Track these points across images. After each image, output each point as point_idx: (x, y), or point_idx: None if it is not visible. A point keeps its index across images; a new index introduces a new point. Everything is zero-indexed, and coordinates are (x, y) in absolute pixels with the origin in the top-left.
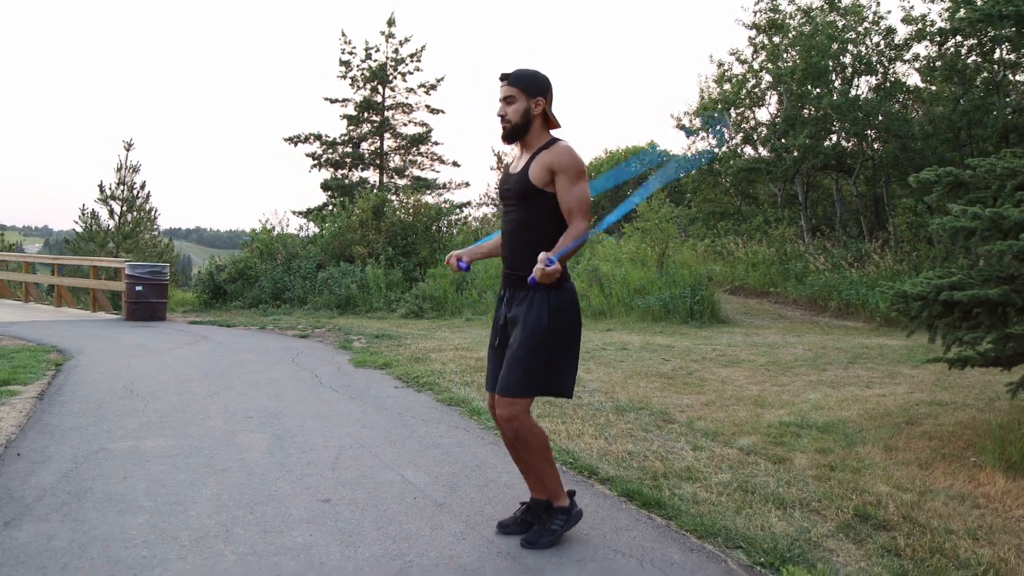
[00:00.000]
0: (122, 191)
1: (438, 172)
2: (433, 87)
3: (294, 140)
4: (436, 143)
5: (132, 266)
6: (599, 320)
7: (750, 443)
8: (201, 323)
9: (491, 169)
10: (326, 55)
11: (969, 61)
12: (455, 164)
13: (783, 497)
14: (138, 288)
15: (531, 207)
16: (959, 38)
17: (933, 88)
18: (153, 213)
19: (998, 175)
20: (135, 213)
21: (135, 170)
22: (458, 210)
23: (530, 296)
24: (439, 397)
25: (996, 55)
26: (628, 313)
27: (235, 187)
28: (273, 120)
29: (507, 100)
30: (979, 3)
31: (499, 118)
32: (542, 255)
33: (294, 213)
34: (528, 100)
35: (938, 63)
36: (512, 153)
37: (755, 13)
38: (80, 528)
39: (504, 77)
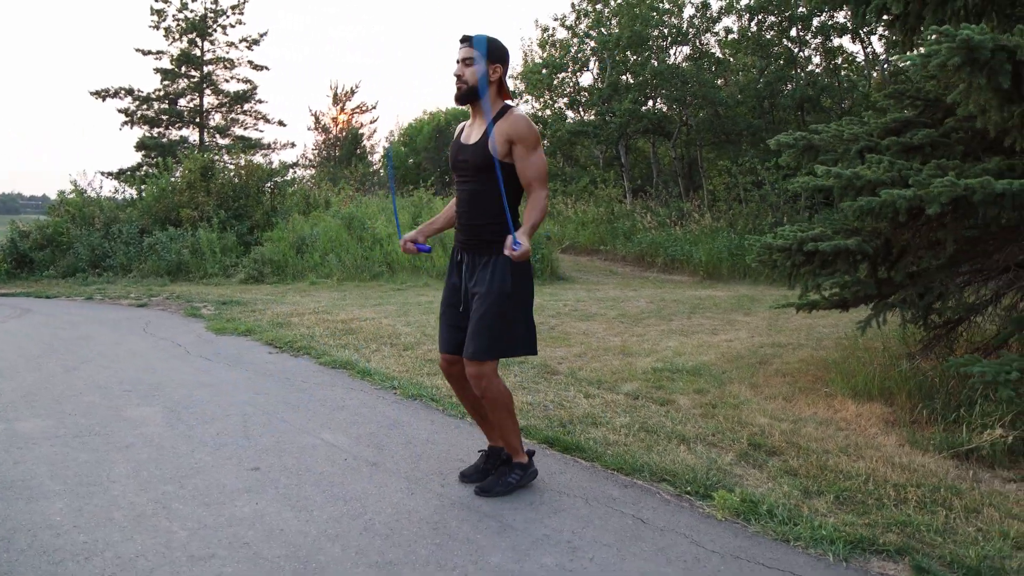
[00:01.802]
0: None
1: (262, 132)
2: (256, 42)
3: (102, 94)
4: (260, 101)
5: None
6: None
7: (633, 388)
8: (12, 295)
9: (308, 129)
10: (135, 1)
11: (770, 36)
12: (281, 124)
13: (682, 434)
14: None
15: (488, 177)
16: (762, 16)
17: (737, 61)
18: None
19: (844, 139)
20: None
21: None
22: (290, 171)
23: (492, 261)
24: (321, 361)
25: (792, 32)
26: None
27: (33, 146)
28: (74, 71)
29: (465, 61)
30: None
31: (455, 78)
32: (508, 239)
33: (104, 174)
34: (487, 65)
35: (747, 36)
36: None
37: None
38: None
39: (465, 39)
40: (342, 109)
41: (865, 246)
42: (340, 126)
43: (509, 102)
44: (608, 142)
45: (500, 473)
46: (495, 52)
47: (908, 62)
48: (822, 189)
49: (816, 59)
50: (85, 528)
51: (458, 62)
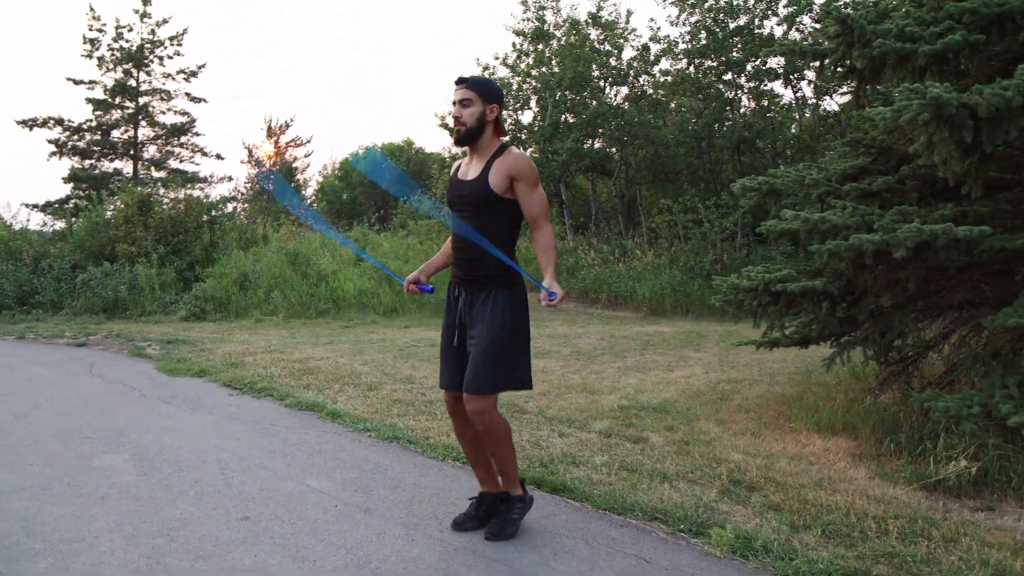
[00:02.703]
0: None
1: (199, 165)
2: (194, 74)
3: (29, 124)
4: (198, 134)
5: None
6: (392, 317)
7: (604, 427)
8: None
9: (241, 163)
10: (66, 29)
11: (708, 80)
12: (219, 157)
13: (663, 472)
14: None
15: (488, 213)
16: (699, 60)
17: (676, 103)
18: None
19: (805, 184)
20: None
21: None
22: (229, 205)
23: (492, 297)
24: (286, 403)
25: (727, 77)
26: (420, 309)
27: None
28: None
29: (463, 103)
30: (705, 38)
31: (454, 120)
32: (543, 293)
33: (30, 207)
34: (484, 105)
35: (685, 77)
36: (461, 160)
37: (523, 21)
38: None
39: (462, 81)
40: (276, 143)
41: (830, 287)
42: (272, 159)
43: (505, 139)
44: (550, 179)
45: (502, 513)
46: (492, 93)
47: (878, 115)
48: (788, 232)
49: (746, 102)
50: None
51: (455, 104)
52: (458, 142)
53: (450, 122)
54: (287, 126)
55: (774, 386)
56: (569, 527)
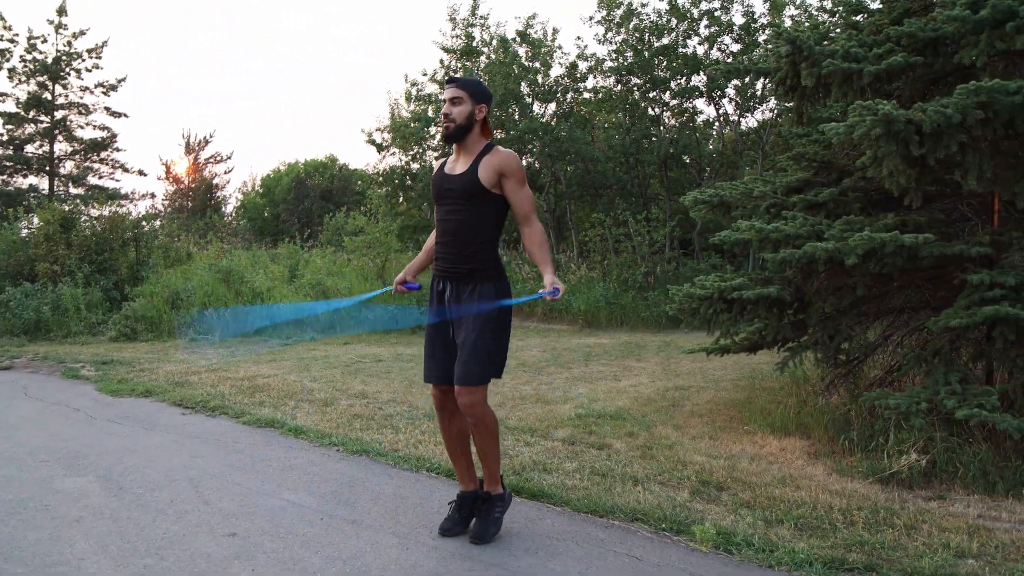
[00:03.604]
0: None
1: (119, 181)
2: (113, 88)
3: None
4: (119, 149)
5: None
6: (331, 334)
7: (567, 435)
8: None
9: (159, 179)
10: None
11: (637, 96)
12: (141, 173)
13: (633, 475)
14: None
15: (475, 207)
16: (627, 77)
17: (602, 120)
18: None
19: (753, 196)
20: None
21: None
22: (154, 223)
23: (478, 290)
24: (243, 420)
25: (652, 94)
26: (359, 325)
27: None
28: None
29: (454, 101)
30: (632, 56)
31: (443, 116)
32: (549, 288)
33: None
34: (474, 104)
35: (612, 95)
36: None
37: (452, 38)
38: None
39: (452, 80)
40: (195, 159)
41: (783, 294)
42: (190, 176)
43: (490, 140)
44: None
45: (484, 513)
46: (481, 93)
47: (831, 130)
48: (741, 242)
49: (669, 118)
50: None
51: (445, 101)
52: (446, 139)
53: (377, 138)
54: (206, 142)
55: (721, 392)
56: (556, 530)
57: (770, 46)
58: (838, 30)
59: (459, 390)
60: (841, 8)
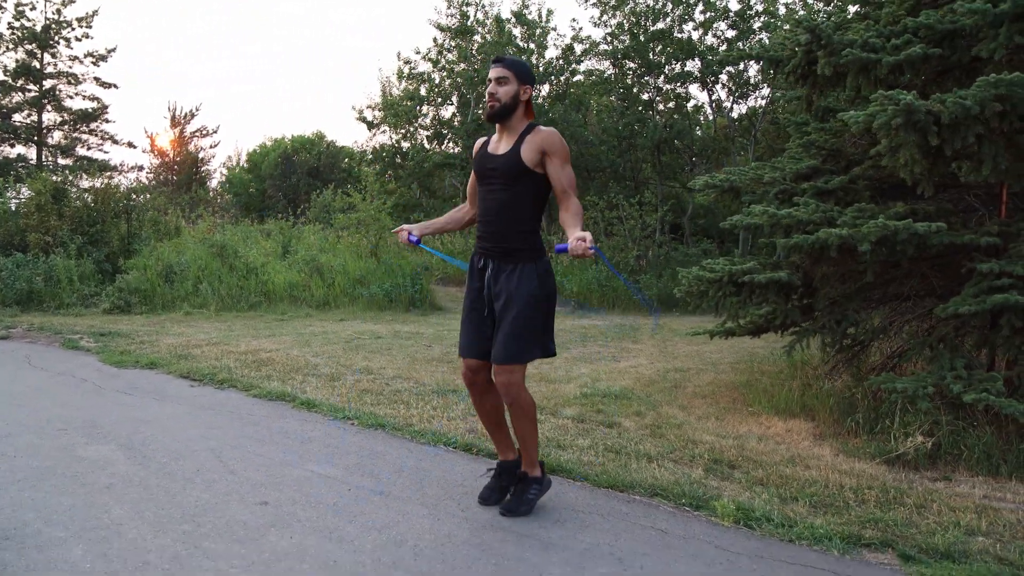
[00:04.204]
0: None
1: (108, 153)
2: (103, 58)
3: None
4: (108, 120)
5: None
6: (325, 310)
7: (575, 413)
8: None
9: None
10: None
11: (631, 80)
12: (131, 145)
13: (647, 453)
14: None
15: (518, 186)
16: (623, 61)
17: (597, 103)
18: None
19: (763, 183)
20: None
21: None
22: (146, 195)
23: (519, 268)
24: (253, 393)
25: (647, 79)
26: (353, 303)
27: None
28: None
29: (499, 81)
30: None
31: (488, 96)
32: (578, 234)
33: None
34: (519, 85)
35: (606, 79)
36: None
37: (447, 16)
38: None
39: (499, 60)
40: (180, 132)
41: (793, 278)
42: (175, 149)
43: (532, 121)
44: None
45: (519, 491)
46: (527, 74)
47: (850, 119)
48: (753, 226)
49: (660, 103)
50: (123, 574)
51: (490, 80)
52: (490, 118)
53: (368, 115)
54: (192, 115)
55: (721, 374)
56: (581, 503)
57: (787, 34)
58: (851, 20)
59: (496, 369)
60: None
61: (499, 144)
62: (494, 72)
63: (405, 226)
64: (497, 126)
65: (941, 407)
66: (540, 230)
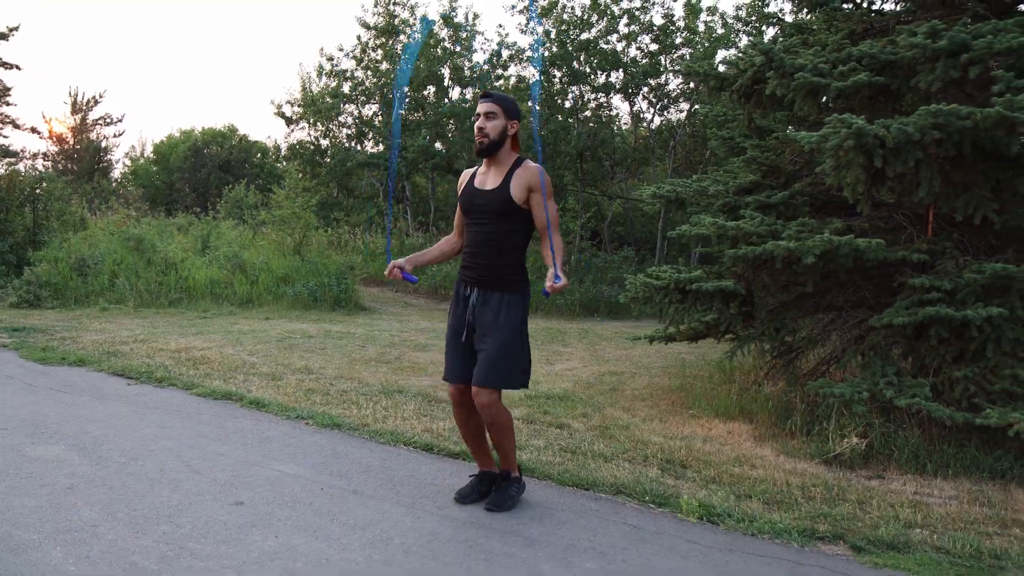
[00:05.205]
0: None
1: (8, 138)
2: (4, 36)
3: None
4: (10, 104)
5: None
6: (249, 308)
7: (523, 414)
8: None
9: (40, 138)
10: None
11: (556, 88)
12: (34, 131)
13: (602, 453)
14: None
15: (505, 222)
16: (550, 70)
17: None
18: None
19: (708, 195)
20: None
21: None
22: (54, 183)
23: (504, 298)
24: (196, 392)
25: (573, 88)
26: (277, 301)
27: None
28: None
29: (488, 116)
30: (555, 49)
31: (477, 131)
32: (551, 273)
33: None
34: (507, 120)
35: (532, 85)
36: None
37: (373, 14)
38: None
39: (487, 96)
40: (82, 119)
41: (738, 287)
42: (75, 137)
43: (520, 155)
44: (399, 176)
45: (502, 488)
46: (514, 109)
47: (802, 139)
48: (701, 237)
49: (583, 112)
50: None
51: (480, 115)
52: (480, 153)
53: (287, 111)
54: (96, 102)
55: (655, 378)
56: (551, 501)
57: (741, 54)
58: (797, 46)
59: (477, 391)
60: (753, 19)
61: (486, 178)
62: (483, 107)
63: (395, 262)
64: (484, 160)
65: (873, 410)
66: (526, 259)
